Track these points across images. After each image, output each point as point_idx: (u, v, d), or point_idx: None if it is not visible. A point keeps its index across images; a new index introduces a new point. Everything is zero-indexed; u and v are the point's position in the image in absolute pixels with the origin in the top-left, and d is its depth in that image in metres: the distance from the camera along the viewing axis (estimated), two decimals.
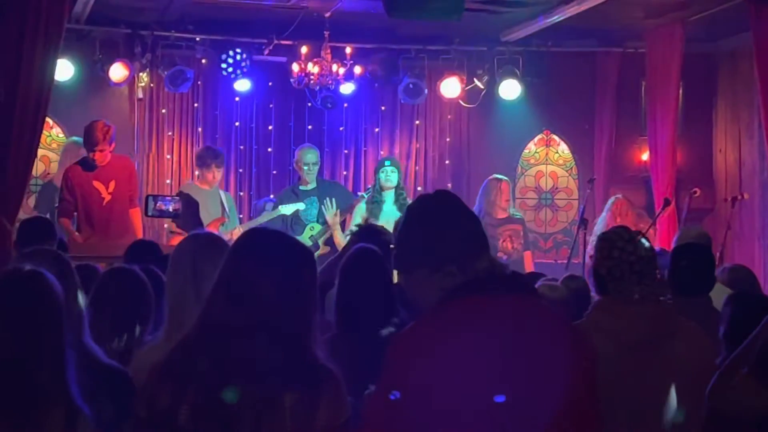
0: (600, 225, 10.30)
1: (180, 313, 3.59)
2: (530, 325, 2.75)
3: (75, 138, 10.58)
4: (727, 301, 4.84)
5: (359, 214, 10.16)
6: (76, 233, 9.12)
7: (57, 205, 9.52)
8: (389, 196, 10.26)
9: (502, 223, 10.43)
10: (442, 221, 2.89)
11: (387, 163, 10.35)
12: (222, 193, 10.44)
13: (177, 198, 4.40)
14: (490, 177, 10.68)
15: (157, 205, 4.45)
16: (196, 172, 10.71)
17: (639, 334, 4.19)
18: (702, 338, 4.34)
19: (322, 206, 10.42)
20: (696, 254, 5.80)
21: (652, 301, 4.27)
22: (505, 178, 10.83)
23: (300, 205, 10.35)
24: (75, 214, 9.33)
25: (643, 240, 4.36)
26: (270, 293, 2.95)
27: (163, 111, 11.82)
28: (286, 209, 10.31)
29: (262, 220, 10.26)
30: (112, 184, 9.26)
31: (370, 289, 4.79)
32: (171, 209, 4.44)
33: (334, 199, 10.40)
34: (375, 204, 10.20)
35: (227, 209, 10.27)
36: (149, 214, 4.50)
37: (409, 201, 9.40)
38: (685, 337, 4.28)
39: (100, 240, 8.91)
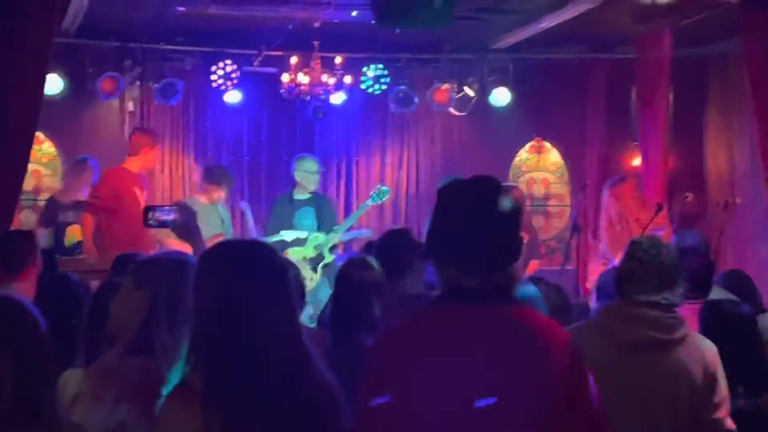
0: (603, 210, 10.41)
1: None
2: (499, 336, 2.71)
3: (81, 157, 10.66)
4: (702, 310, 4.82)
5: None
6: (92, 246, 9.26)
7: (87, 200, 9.61)
8: None
9: None
10: (441, 211, 2.83)
11: None
12: (221, 207, 10.42)
13: (175, 208, 4.36)
14: None
15: (155, 215, 4.40)
16: (203, 187, 10.58)
17: (639, 338, 4.17)
18: (709, 351, 4.29)
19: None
20: (693, 260, 5.74)
21: (661, 307, 4.24)
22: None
23: (302, 234, 10.32)
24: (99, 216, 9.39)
25: (670, 249, 4.32)
26: (252, 305, 2.97)
27: (154, 124, 11.80)
28: (288, 235, 10.27)
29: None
30: (145, 194, 9.45)
31: (362, 298, 4.79)
32: (170, 219, 4.39)
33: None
34: None
35: (226, 224, 10.28)
36: (148, 224, 4.45)
37: None
38: (691, 347, 4.24)
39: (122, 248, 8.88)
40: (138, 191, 9.42)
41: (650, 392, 4.12)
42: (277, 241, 10.14)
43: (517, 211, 2.81)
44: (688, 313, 4.58)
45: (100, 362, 3.53)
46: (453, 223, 2.78)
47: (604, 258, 10.37)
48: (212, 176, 10.41)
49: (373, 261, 5.02)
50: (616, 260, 9.73)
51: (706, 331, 4.59)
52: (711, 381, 4.22)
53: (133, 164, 9.62)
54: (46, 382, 3.01)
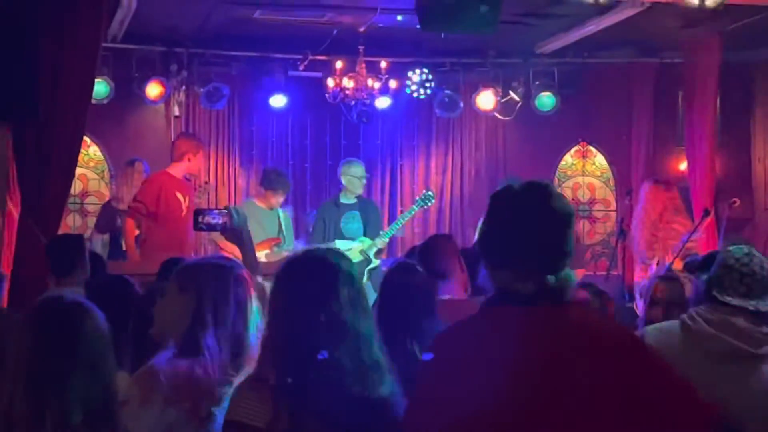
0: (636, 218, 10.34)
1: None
2: (562, 336, 2.72)
3: (129, 159, 10.71)
4: None
5: None
6: (135, 249, 9.29)
7: (129, 204, 9.62)
8: None
9: None
10: (494, 215, 2.86)
11: None
12: (281, 212, 10.45)
13: (224, 211, 4.39)
14: None
15: (205, 219, 4.43)
16: (260, 191, 10.60)
17: (724, 348, 4.04)
18: None
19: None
20: None
21: (750, 316, 4.09)
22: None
23: (356, 244, 10.34)
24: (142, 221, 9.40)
25: (764, 259, 4.19)
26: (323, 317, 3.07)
27: (199, 128, 11.86)
28: (342, 244, 10.29)
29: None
30: (188, 199, 9.46)
31: (408, 303, 4.79)
32: (219, 222, 4.42)
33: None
34: None
35: (284, 228, 10.30)
36: (197, 228, 4.49)
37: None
38: None
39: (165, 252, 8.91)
40: (181, 196, 9.44)
41: (725, 405, 4.00)
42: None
43: (569, 214, 2.83)
44: None
45: (148, 366, 3.56)
46: (506, 226, 2.81)
47: (642, 261, 10.31)
48: (268, 181, 10.40)
49: (418, 266, 5.02)
50: (654, 265, 9.70)
51: None
52: None
53: (177, 169, 9.62)
54: (106, 385, 3.04)
